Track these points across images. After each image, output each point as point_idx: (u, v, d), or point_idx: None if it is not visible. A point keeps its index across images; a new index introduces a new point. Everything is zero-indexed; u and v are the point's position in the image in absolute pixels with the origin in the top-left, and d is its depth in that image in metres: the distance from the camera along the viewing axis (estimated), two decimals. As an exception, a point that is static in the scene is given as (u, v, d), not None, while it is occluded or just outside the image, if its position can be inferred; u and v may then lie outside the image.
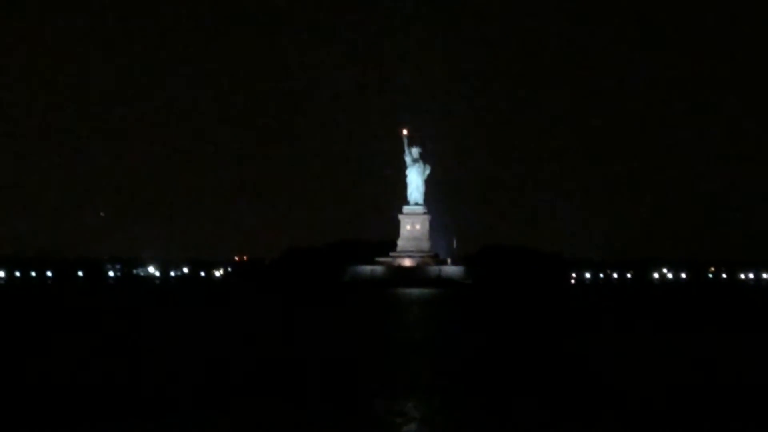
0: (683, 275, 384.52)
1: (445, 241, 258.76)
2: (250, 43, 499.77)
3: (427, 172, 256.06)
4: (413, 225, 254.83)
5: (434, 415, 30.74)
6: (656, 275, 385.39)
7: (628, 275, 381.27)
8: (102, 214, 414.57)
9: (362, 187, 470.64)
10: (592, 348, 55.97)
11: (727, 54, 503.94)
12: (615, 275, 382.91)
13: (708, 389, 36.54)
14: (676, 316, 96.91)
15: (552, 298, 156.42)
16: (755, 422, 29.69)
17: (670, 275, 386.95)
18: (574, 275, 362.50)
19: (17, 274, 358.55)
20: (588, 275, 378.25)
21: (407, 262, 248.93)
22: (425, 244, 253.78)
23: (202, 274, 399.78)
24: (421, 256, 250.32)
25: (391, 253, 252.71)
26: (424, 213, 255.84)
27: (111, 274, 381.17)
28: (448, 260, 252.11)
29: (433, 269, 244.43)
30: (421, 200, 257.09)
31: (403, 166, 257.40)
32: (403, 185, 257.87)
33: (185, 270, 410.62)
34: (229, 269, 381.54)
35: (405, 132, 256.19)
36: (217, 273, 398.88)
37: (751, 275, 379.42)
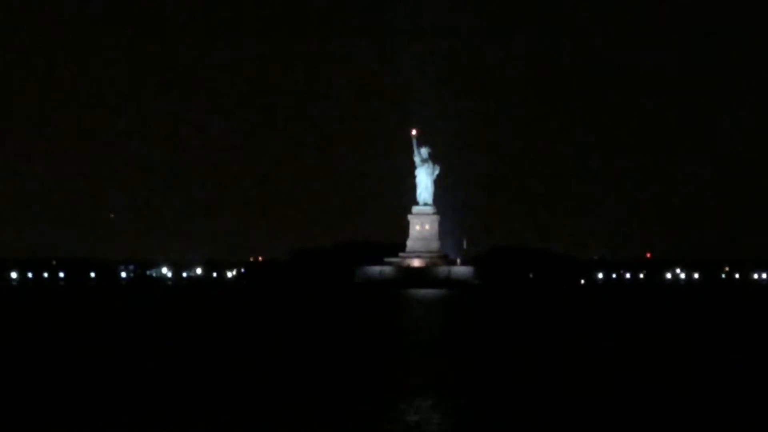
0: (696, 275, 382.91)
1: (455, 242, 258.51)
2: (262, 44, 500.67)
3: (437, 172, 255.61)
4: (422, 225, 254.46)
5: (446, 413, 30.98)
6: (669, 275, 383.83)
7: (641, 275, 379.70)
8: (112, 215, 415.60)
9: (371, 188, 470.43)
10: (593, 352, 55.66)
11: (745, 51, 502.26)
12: (628, 275, 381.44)
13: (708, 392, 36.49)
14: (680, 318, 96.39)
15: (560, 300, 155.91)
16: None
17: (683, 275, 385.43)
18: (586, 276, 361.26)
19: (30, 275, 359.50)
20: (600, 275, 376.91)
21: (416, 263, 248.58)
22: (434, 245, 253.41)
23: (214, 275, 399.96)
24: (430, 257, 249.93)
25: (401, 254, 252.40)
26: (434, 213, 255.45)
27: (123, 275, 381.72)
28: (458, 261, 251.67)
29: (443, 270, 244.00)
30: (430, 200, 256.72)
31: (412, 167, 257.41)
32: (412, 185, 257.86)
33: (198, 271, 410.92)
34: (242, 270, 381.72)
35: (414, 132, 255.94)
36: (230, 274, 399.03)
37: (765, 275, 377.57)
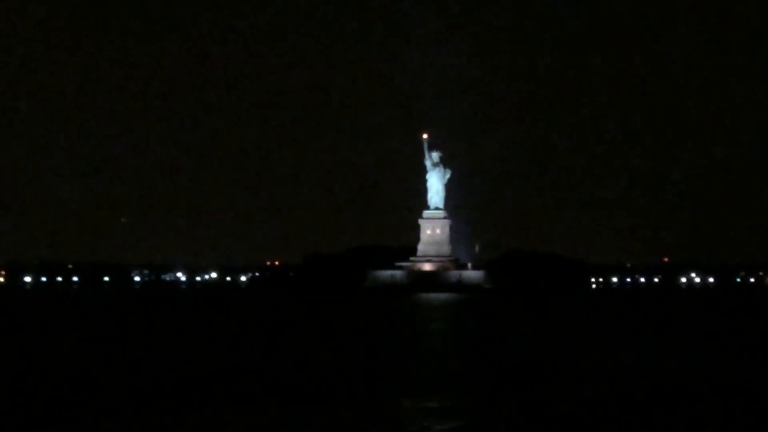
0: (711, 279, 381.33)
1: (467, 246, 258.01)
2: (274, 50, 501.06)
3: (447, 176, 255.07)
4: (433, 229, 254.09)
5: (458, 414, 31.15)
6: (684, 279, 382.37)
7: (656, 279, 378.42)
8: (123, 219, 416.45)
9: (383, 192, 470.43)
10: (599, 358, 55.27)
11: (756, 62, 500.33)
12: (642, 279, 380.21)
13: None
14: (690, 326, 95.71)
15: (568, 304, 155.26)
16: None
17: (697, 279, 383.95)
18: (600, 280, 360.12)
19: (43, 279, 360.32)
20: (615, 279, 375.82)
21: (427, 267, 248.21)
22: (446, 249, 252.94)
23: (228, 279, 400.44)
24: (441, 261, 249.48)
25: (412, 258, 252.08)
26: (445, 217, 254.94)
27: (137, 279, 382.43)
28: (469, 265, 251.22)
29: (454, 274, 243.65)
30: (441, 205, 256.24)
31: (423, 171, 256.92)
32: (423, 190, 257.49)
33: (213, 275, 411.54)
34: (257, 274, 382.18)
35: (425, 136, 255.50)
36: (243, 278, 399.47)
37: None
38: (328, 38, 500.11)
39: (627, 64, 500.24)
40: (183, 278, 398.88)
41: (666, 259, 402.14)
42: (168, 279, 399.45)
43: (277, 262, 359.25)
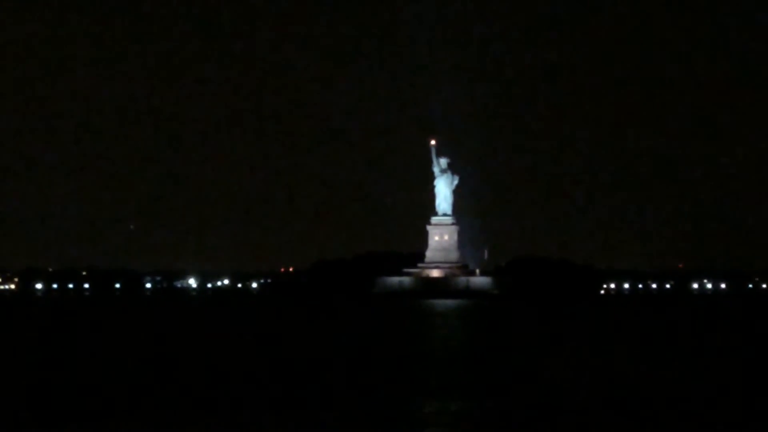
0: (723, 285, 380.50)
1: (475, 252, 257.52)
2: (282, 59, 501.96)
3: (456, 182, 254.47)
4: (441, 236, 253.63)
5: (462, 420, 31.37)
6: (696, 285, 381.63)
7: (668, 285, 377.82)
8: (132, 226, 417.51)
9: (390, 198, 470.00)
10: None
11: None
12: (654, 285, 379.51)
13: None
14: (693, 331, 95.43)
15: (576, 310, 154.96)
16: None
17: (709, 285, 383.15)
18: (611, 286, 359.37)
19: (54, 286, 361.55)
20: (627, 285, 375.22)
21: (435, 273, 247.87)
22: (454, 255, 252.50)
23: (239, 285, 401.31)
24: (449, 267, 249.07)
25: (420, 264, 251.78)
26: (453, 224, 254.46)
27: (149, 285, 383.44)
28: (477, 271, 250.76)
29: (462, 280, 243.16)
30: (449, 211, 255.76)
31: (431, 177, 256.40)
32: (431, 196, 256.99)
33: (225, 281, 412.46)
34: (269, 280, 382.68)
35: (433, 142, 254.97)
36: (255, 284, 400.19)
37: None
38: (337, 44, 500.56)
39: (642, 66, 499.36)
40: (195, 285, 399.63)
41: (681, 265, 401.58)
42: (180, 285, 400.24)
43: (291, 269, 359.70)
